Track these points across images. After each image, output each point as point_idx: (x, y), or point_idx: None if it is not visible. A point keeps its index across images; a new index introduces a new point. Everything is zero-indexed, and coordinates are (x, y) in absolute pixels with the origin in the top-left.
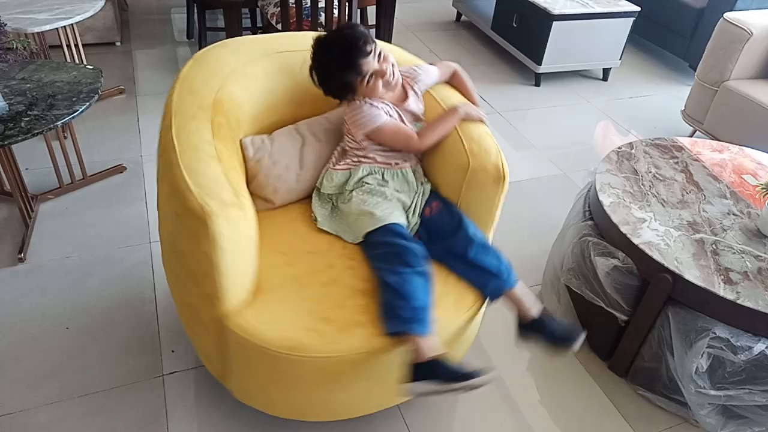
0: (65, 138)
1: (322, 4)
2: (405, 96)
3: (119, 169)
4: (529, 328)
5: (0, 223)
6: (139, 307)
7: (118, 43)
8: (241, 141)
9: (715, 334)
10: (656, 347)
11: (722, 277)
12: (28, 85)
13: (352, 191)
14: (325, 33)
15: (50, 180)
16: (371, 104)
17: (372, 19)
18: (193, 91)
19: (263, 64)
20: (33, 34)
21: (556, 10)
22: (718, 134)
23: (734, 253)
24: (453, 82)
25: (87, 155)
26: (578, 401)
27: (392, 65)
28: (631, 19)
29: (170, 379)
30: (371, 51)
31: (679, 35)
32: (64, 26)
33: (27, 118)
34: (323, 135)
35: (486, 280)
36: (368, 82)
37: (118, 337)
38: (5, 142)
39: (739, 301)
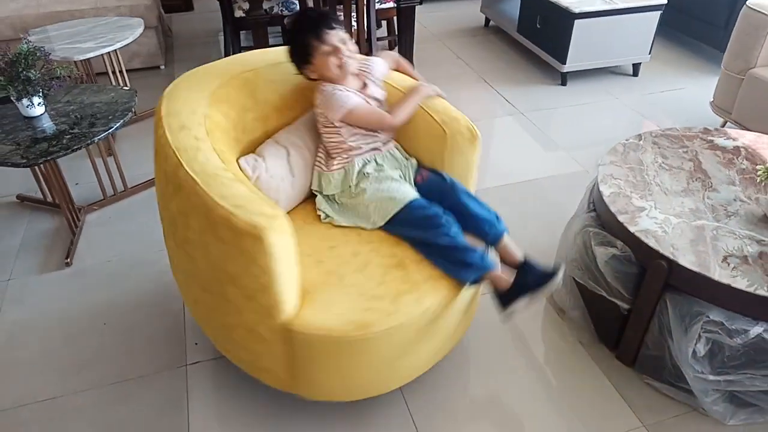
0: (108, 156)
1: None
2: (364, 85)
3: None
4: (520, 271)
5: (51, 232)
6: (167, 303)
7: (162, 67)
8: (238, 162)
9: (709, 317)
10: (658, 334)
11: (719, 261)
12: (72, 107)
13: (359, 184)
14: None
15: (96, 193)
16: (340, 90)
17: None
18: (183, 126)
19: (228, 90)
20: (80, 61)
21: (578, 9)
22: (747, 123)
23: (736, 238)
24: (398, 68)
25: (128, 170)
26: (585, 392)
27: (350, 52)
28: (658, 12)
29: (193, 369)
30: (336, 29)
31: (713, 25)
32: (108, 53)
33: (68, 136)
34: (301, 141)
35: (485, 228)
36: (324, 53)
37: (148, 330)
38: (48, 158)
39: (733, 285)
